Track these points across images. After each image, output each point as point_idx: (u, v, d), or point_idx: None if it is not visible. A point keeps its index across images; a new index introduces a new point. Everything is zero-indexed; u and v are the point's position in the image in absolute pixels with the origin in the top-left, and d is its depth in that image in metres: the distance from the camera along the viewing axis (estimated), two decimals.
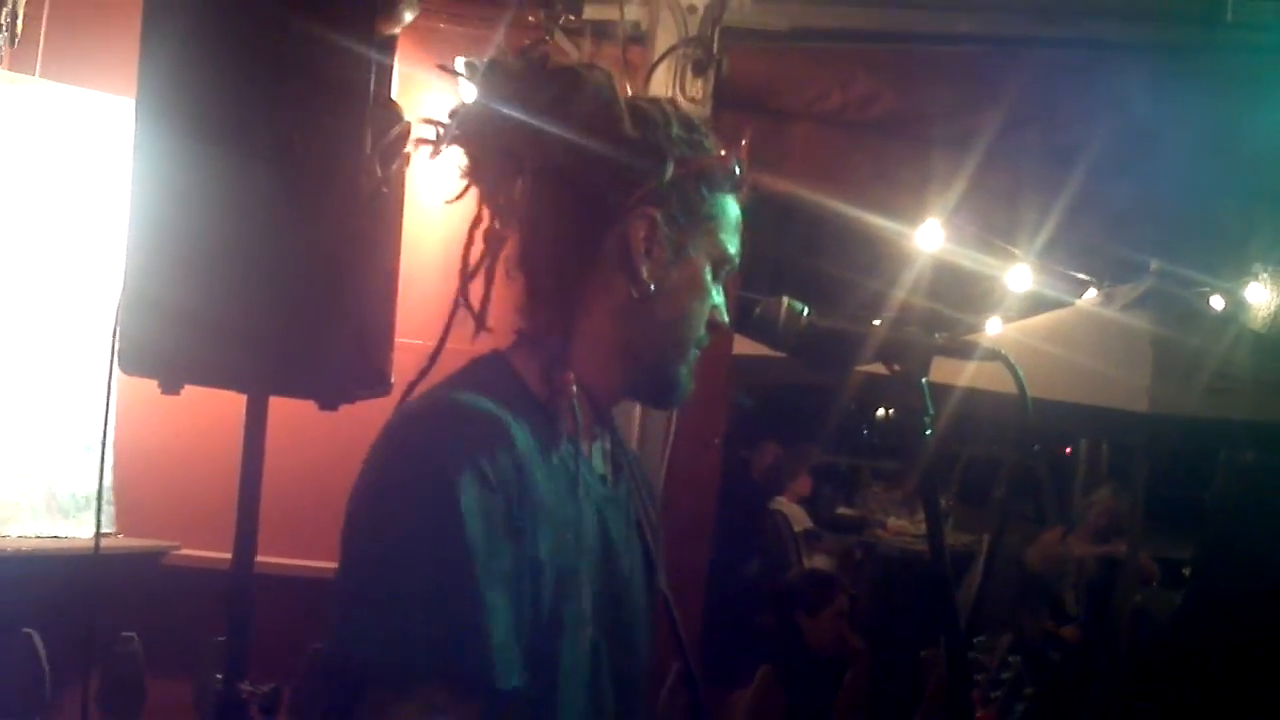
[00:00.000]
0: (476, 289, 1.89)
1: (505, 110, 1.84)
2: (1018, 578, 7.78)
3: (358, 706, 1.58)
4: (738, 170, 1.89)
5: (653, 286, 1.81)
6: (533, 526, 1.67)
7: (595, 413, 1.90)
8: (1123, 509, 8.05)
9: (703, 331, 1.89)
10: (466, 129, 1.87)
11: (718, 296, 1.90)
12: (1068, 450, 11.58)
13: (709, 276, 1.87)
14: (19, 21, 3.99)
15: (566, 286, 1.83)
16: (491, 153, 1.86)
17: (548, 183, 1.83)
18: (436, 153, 1.89)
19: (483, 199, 1.88)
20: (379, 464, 1.67)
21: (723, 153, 1.88)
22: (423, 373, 1.86)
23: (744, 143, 3.99)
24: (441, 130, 1.88)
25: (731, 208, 1.90)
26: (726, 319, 1.93)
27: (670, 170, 1.80)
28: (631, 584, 1.92)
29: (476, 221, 1.88)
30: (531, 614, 1.65)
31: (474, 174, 1.88)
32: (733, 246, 1.90)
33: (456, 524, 1.56)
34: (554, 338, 1.82)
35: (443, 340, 1.87)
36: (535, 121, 1.82)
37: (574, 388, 1.81)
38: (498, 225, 1.86)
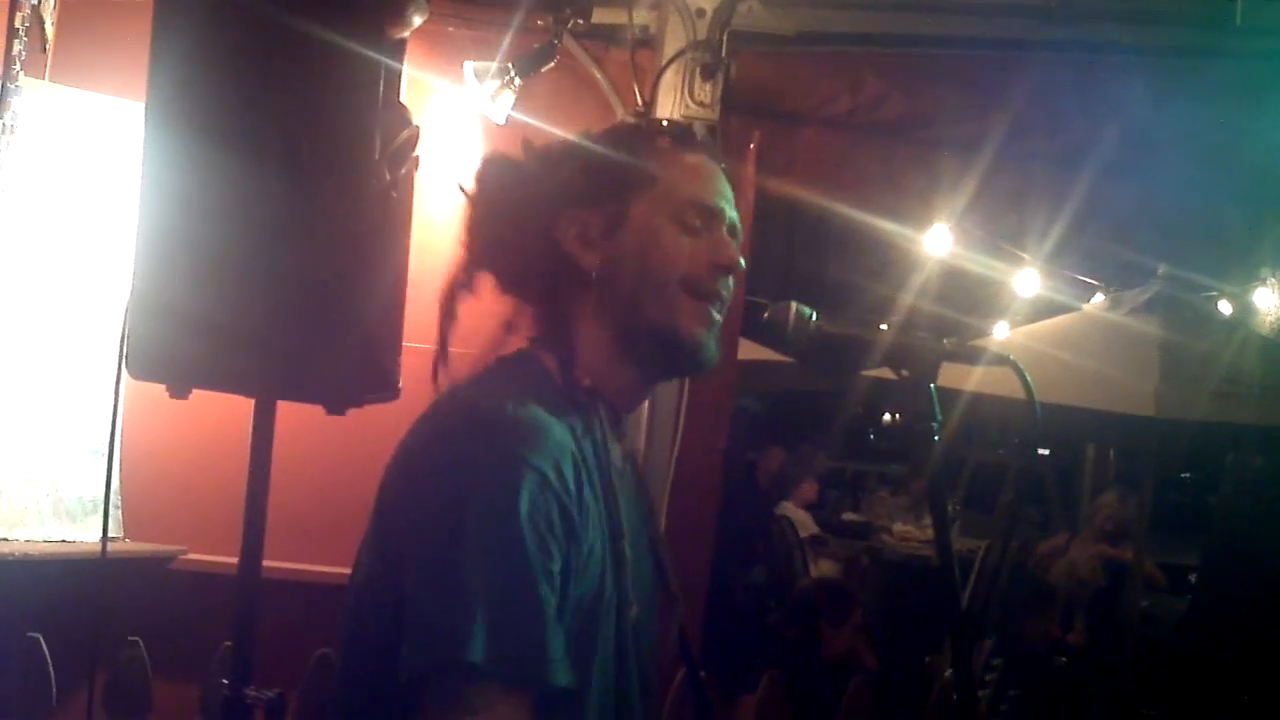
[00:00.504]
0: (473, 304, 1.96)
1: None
2: (1024, 584, 7.77)
3: (417, 707, 1.62)
4: (664, 129, 1.95)
5: (599, 266, 1.86)
6: (583, 524, 1.72)
7: (613, 415, 1.93)
8: (1129, 513, 8.04)
9: (696, 272, 1.87)
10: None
11: (707, 240, 1.89)
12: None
13: (671, 226, 1.87)
14: (45, 26, 4.00)
15: (547, 315, 1.92)
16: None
17: (498, 255, 1.94)
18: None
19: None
20: (439, 468, 1.70)
21: (652, 128, 1.97)
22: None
23: (751, 146, 3.99)
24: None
25: (677, 164, 1.91)
26: (731, 257, 1.90)
27: (565, 175, 1.89)
28: (643, 585, 1.93)
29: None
30: (572, 613, 1.69)
31: None
32: (696, 195, 1.90)
33: (518, 530, 1.61)
34: (560, 348, 1.89)
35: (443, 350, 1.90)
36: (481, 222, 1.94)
37: (594, 391, 1.87)
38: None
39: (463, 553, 1.61)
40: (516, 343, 1.95)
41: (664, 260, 1.86)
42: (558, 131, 1.95)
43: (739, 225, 1.94)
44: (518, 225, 1.90)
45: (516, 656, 1.59)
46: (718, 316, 1.90)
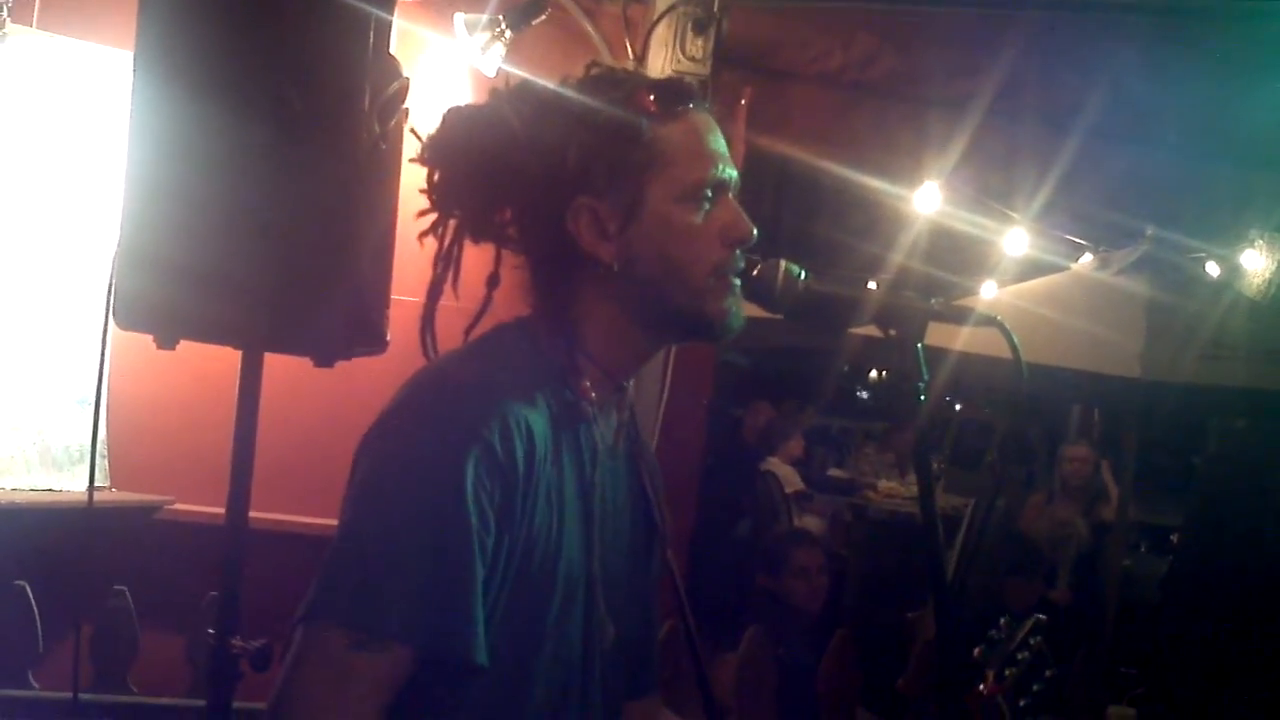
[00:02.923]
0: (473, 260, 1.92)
1: (444, 174, 1.88)
2: (1009, 542, 7.82)
3: (315, 655, 1.63)
4: (659, 93, 1.86)
5: (616, 265, 1.82)
6: (532, 506, 1.72)
7: (610, 385, 1.92)
8: (1091, 463, 8.17)
9: (717, 256, 1.84)
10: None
11: (720, 214, 1.85)
12: None
13: (686, 209, 1.83)
14: None
15: (552, 292, 1.88)
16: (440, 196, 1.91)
17: (493, 215, 1.89)
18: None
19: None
20: (393, 431, 1.72)
21: (643, 89, 1.86)
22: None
23: (743, 102, 3.94)
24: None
25: (680, 133, 1.85)
26: (746, 229, 1.86)
27: (573, 157, 1.80)
28: (616, 552, 1.94)
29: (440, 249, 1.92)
30: (516, 588, 1.71)
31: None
32: (704, 167, 1.84)
33: (459, 503, 1.62)
34: (559, 325, 1.86)
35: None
36: (453, 172, 1.87)
37: (588, 376, 1.86)
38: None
39: (400, 516, 1.64)
40: (510, 301, 1.93)
41: (688, 253, 1.82)
42: (547, 84, 1.89)
43: (738, 180, 1.91)
44: (523, 208, 1.86)
45: (438, 628, 1.62)
46: (738, 282, 1.87)
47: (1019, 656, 2.90)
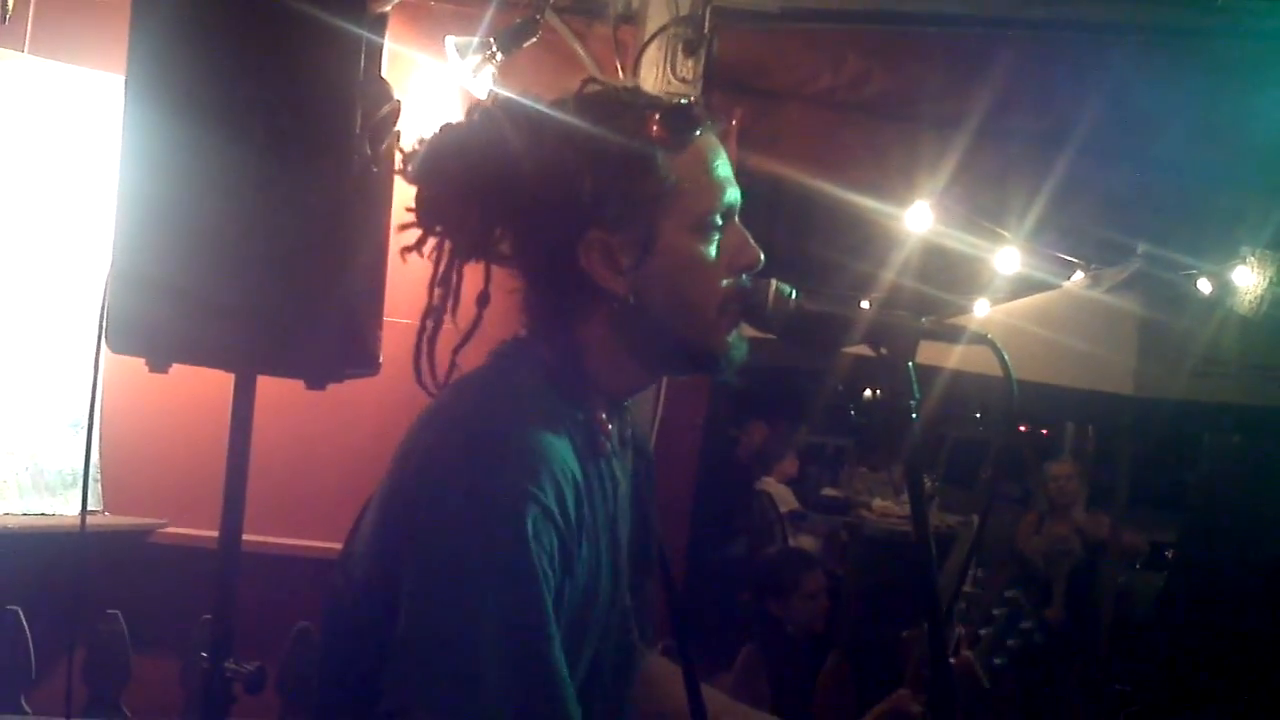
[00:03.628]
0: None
1: (434, 192, 1.84)
2: (1003, 561, 7.82)
3: None
4: (670, 121, 1.81)
5: (632, 298, 1.78)
6: (580, 549, 1.69)
7: (612, 406, 1.90)
8: (1076, 479, 8.17)
9: (726, 287, 1.82)
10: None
11: (727, 240, 1.82)
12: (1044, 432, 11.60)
13: (698, 240, 1.80)
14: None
15: (557, 320, 1.84)
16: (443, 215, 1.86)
17: (486, 235, 1.85)
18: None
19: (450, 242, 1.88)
20: (442, 499, 1.63)
21: (653, 117, 1.81)
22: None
23: (734, 123, 3.93)
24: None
25: (690, 160, 1.80)
26: (754, 255, 1.84)
27: (586, 191, 1.76)
28: (624, 569, 1.91)
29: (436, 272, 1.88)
30: (564, 636, 1.65)
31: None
32: (714, 195, 1.81)
33: (528, 570, 1.58)
34: (567, 353, 1.83)
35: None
36: (445, 191, 1.83)
37: (598, 405, 1.84)
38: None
39: (470, 588, 1.57)
40: (493, 315, 1.90)
41: (700, 287, 1.80)
42: (537, 103, 1.86)
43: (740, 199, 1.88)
44: (528, 234, 1.82)
45: (529, 700, 1.57)
46: (741, 316, 1.85)
47: (995, 612, 2.85)
